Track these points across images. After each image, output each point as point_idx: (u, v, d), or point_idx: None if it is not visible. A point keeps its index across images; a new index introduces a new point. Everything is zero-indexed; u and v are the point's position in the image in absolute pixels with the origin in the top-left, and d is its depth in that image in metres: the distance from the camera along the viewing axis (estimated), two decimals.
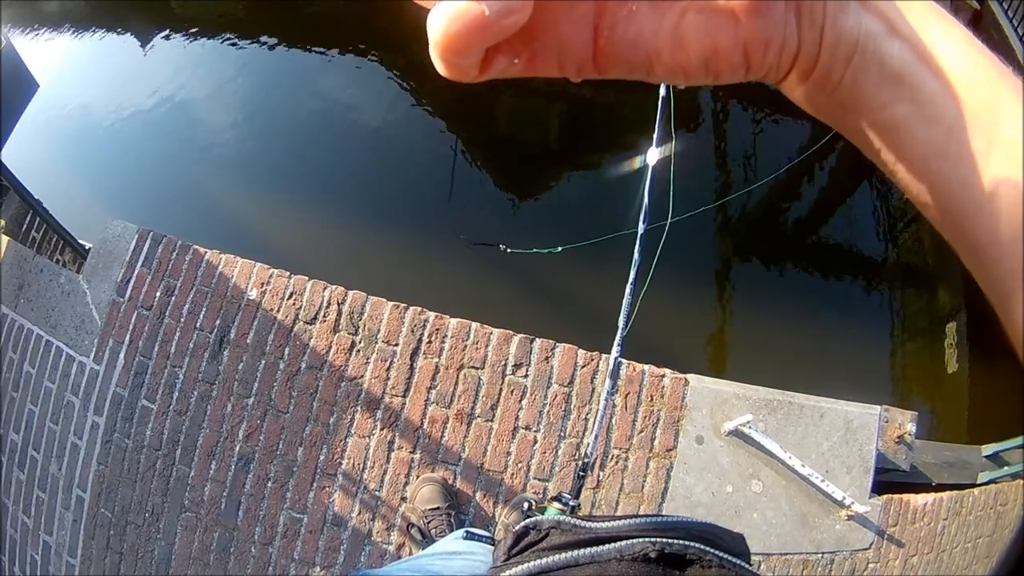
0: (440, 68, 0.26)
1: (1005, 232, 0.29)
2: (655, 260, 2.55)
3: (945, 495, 2.78)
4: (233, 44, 4.61)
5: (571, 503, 1.98)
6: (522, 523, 0.73)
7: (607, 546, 0.61)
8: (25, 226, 2.93)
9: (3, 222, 2.90)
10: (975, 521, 2.84)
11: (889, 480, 2.69)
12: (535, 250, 2.91)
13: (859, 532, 2.53)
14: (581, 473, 1.85)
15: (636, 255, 1.80)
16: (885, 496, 2.59)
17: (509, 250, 2.75)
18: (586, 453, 2.00)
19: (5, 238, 2.87)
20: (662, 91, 2.24)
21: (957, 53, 0.30)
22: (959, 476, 3.04)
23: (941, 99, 0.29)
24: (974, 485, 2.99)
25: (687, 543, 0.60)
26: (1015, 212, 0.29)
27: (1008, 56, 3.54)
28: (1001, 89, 0.30)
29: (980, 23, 3.64)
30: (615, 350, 1.65)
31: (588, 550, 0.61)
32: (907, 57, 0.29)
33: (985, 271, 0.31)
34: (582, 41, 0.28)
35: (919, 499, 2.68)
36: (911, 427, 2.66)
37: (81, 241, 2.76)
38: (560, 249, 2.76)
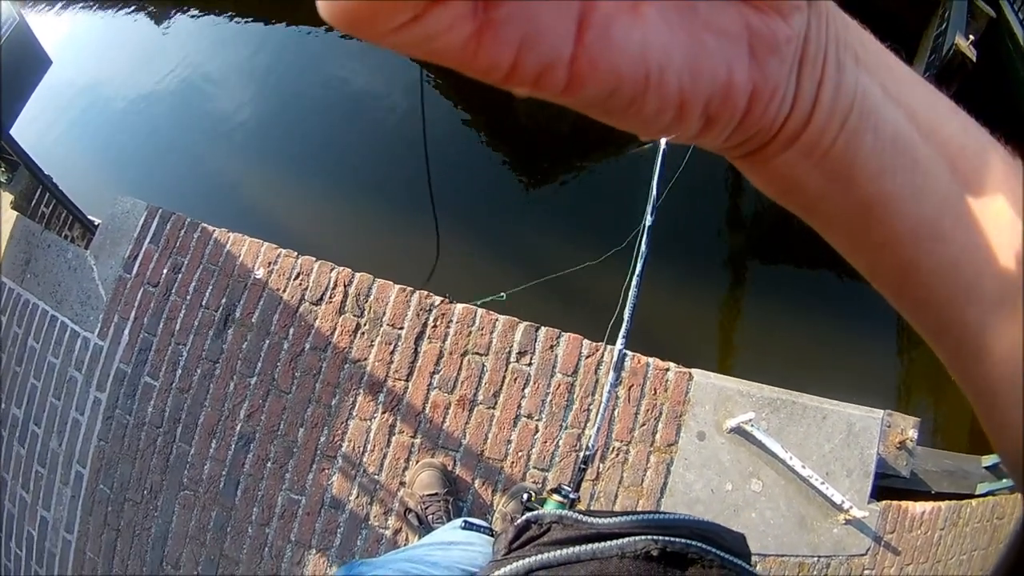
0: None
1: (991, 320, 0.27)
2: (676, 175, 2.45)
3: (943, 504, 2.77)
4: (250, 23, 4.61)
5: (571, 495, 1.98)
6: (524, 517, 0.73)
7: (609, 543, 0.61)
8: (34, 201, 2.94)
9: (12, 197, 2.91)
10: (972, 533, 2.83)
11: (888, 486, 2.68)
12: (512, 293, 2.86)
13: (856, 537, 2.53)
14: (582, 466, 1.84)
15: (643, 247, 1.80)
16: (884, 502, 2.58)
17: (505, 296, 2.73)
18: (588, 446, 1.99)
19: (14, 213, 2.87)
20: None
21: (946, 119, 0.28)
22: (958, 485, 3.03)
23: (934, 167, 0.26)
24: (972, 496, 2.98)
25: (689, 542, 0.60)
26: (1006, 297, 0.26)
27: (1023, 62, 3.54)
28: (992, 157, 0.28)
29: (995, 32, 3.64)
30: (620, 342, 1.64)
31: (590, 546, 0.61)
32: (901, 121, 0.26)
33: (965, 363, 0.28)
34: (564, 29, 0.19)
35: (917, 507, 2.67)
36: (913, 433, 2.65)
37: (90, 217, 2.76)
38: (505, 296, 2.71)
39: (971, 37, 3.19)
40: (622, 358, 1.74)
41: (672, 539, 0.59)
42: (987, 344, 0.27)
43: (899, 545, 2.60)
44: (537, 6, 0.18)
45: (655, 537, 0.59)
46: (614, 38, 0.20)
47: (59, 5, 4.96)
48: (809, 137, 0.25)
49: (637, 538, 0.60)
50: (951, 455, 3.15)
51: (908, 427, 2.66)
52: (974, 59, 3.18)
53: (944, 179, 0.26)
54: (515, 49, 0.19)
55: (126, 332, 2.51)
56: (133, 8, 4.82)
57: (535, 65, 0.19)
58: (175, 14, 4.73)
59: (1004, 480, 3.07)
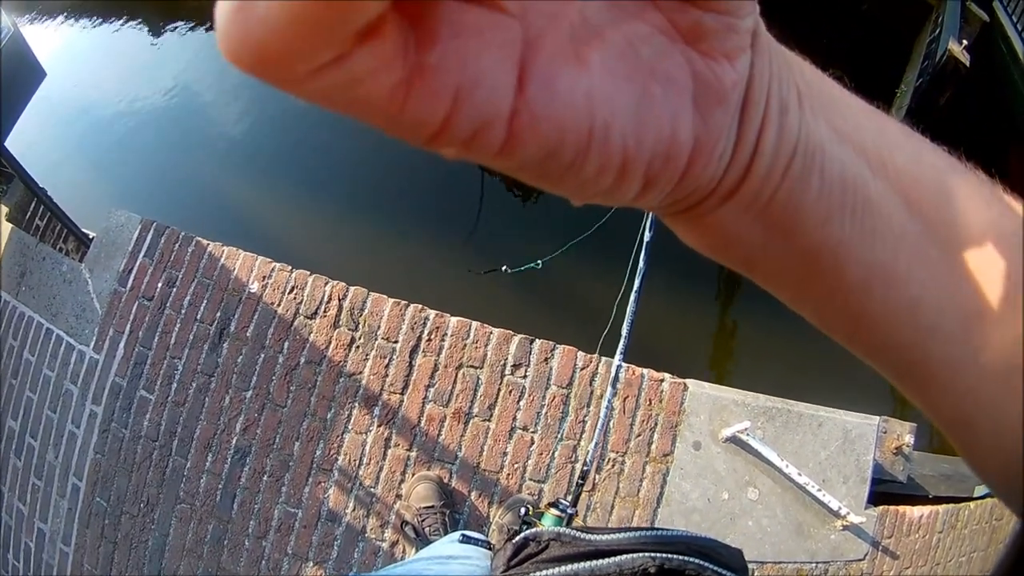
0: (280, 21, 0.13)
1: (959, 353, 0.25)
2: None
3: (941, 508, 2.77)
4: None
5: (569, 510, 1.98)
6: (522, 534, 0.73)
7: (607, 560, 0.61)
8: (29, 214, 2.94)
9: (7, 209, 2.91)
10: (970, 535, 2.83)
11: (886, 491, 2.68)
12: (535, 263, 2.88)
13: (854, 543, 2.53)
14: (580, 481, 1.84)
15: (642, 264, 1.80)
16: (881, 507, 2.58)
17: (510, 271, 2.73)
18: (586, 461, 2.00)
19: (8, 225, 2.87)
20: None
21: (898, 148, 0.25)
22: (956, 489, 3.03)
23: (887, 205, 0.24)
24: (970, 499, 2.98)
25: (686, 558, 0.60)
26: (971, 328, 0.25)
27: (1018, 70, 3.54)
28: (950, 183, 0.26)
29: (989, 35, 3.64)
30: (618, 357, 1.64)
31: (588, 564, 0.61)
32: (849, 159, 0.24)
33: (933, 398, 0.27)
34: (504, 81, 0.17)
35: (915, 511, 2.67)
36: (909, 439, 2.65)
37: (84, 230, 2.76)
38: (539, 263, 2.72)
39: (964, 42, 3.18)
40: (616, 372, 1.74)
41: (669, 555, 0.60)
42: (954, 378, 0.26)
43: (897, 549, 2.60)
44: (476, 49, 0.16)
45: (653, 554, 0.60)
46: (558, 90, 0.17)
47: (55, 17, 4.96)
48: (749, 188, 0.23)
49: (635, 555, 0.60)
50: (948, 459, 3.16)
51: (904, 432, 2.66)
52: (968, 64, 3.17)
53: (899, 216, 0.24)
54: (449, 101, 0.16)
55: (121, 346, 2.50)
56: (125, 20, 4.82)
57: (470, 121, 0.16)
58: (166, 28, 4.73)
59: None
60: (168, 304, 2.44)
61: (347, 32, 0.14)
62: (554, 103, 0.17)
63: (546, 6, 0.18)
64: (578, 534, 0.68)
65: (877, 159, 0.24)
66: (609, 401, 1.93)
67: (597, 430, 1.78)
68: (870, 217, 0.24)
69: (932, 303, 0.25)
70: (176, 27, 4.74)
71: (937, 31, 3.30)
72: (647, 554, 0.60)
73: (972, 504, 2.91)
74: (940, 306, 0.25)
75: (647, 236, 1.76)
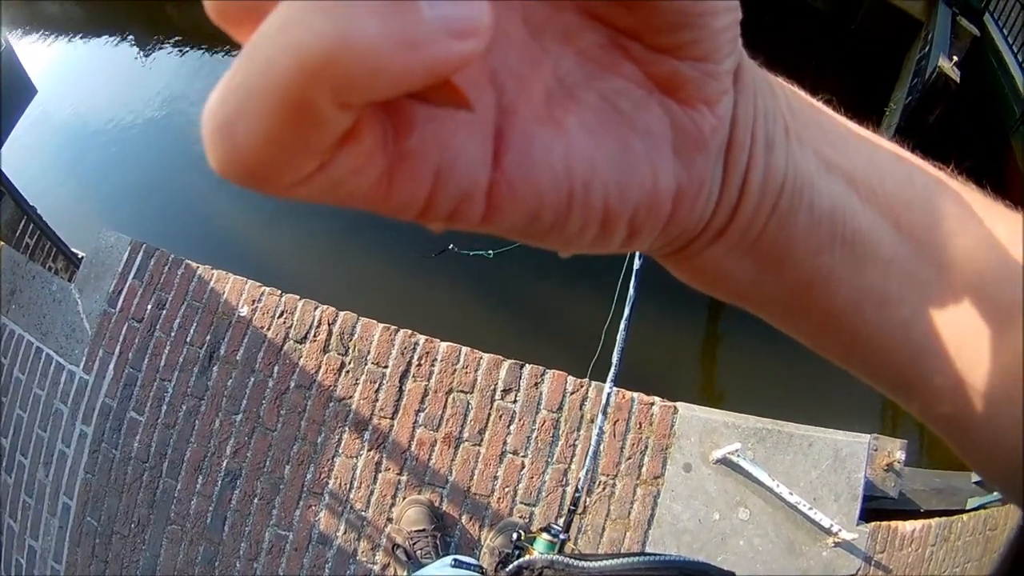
0: (260, 140, 0.13)
1: (955, 368, 0.25)
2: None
3: (934, 521, 2.78)
4: (231, 55, 4.60)
5: (561, 536, 1.98)
6: (515, 562, 0.73)
7: None
8: (19, 232, 2.92)
9: None
10: (964, 546, 2.84)
11: (877, 507, 2.69)
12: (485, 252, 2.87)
13: (846, 559, 2.53)
14: (572, 507, 1.84)
15: (631, 291, 1.79)
16: (873, 523, 2.59)
17: (457, 249, 2.71)
18: (577, 487, 2.00)
19: None
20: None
21: (888, 173, 0.25)
22: (948, 502, 3.04)
23: (877, 232, 0.24)
24: (963, 511, 2.99)
25: None
26: (966, 344, 0.25)
27: (1009, 84, 3.54)
28: (940, 203, 0.25)
29: (979, 50, 3.64)
30: (608, 385, 1.64)
31: None
32: (838, 189, 0.24)
33: (929, 410, 0.27)
34: (480, 155, 0.17)
35: (907, 526, 2.68)
36: (900, 455, 2.66)
37: (74, 250, 2.75)
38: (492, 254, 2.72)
39: (955, 58, 3.18)
40: (607, 398, 1.74)
41: None
42: (952, 392, 0.25)
43: (890, 564, 2.60)
44: (451, 128, 0.16)
45: None
46: (535, 157, 0.18)
47: (46, 33, 4.93)
48: (736, 228, 0.23)
49: None
50: (940, 473, 3.16)
51: (895, 449, 2.67)
52: (958, 80, 3.17)
53: (888, 241, 0.24)
54: (429, 183, 0.16)
55: (111, 367, 2.50)
56: (116, 38, 4.80)
57: (450, 199, 0.17)
58: (156, 46, 4.71)
59: (995, 493, 3.08)
60: (158, 326, 2.44)
61: (324, 145, 0.14)
62: (530, 170, 0.18)
63: (517, 68, 0.18)
64: (571, 561, 0.68)
65: (867, 187, 0.24)
66: (600, 428, 1.93)
67: (588, 456, 1.78)
68: (860, 245, 0.24)
69: (926, 323, 0.25)
70: (164, 45, 4.72)
71: (927, 48, 3.29)
72: None
73: (965, 516, 2.92)
74: (934, 325, 0.25)
75: (636, 263, 1.75)
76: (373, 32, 0.12)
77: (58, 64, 4.68)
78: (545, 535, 1.95)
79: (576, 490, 2.00)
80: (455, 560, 1.20)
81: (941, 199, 0.25)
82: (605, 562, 0.66)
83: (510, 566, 0.75)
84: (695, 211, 0.21)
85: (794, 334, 0.28)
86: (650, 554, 0.67)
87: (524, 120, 0.18)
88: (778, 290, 0.25)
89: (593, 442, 2.00)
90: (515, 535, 2.09)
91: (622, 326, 1.68)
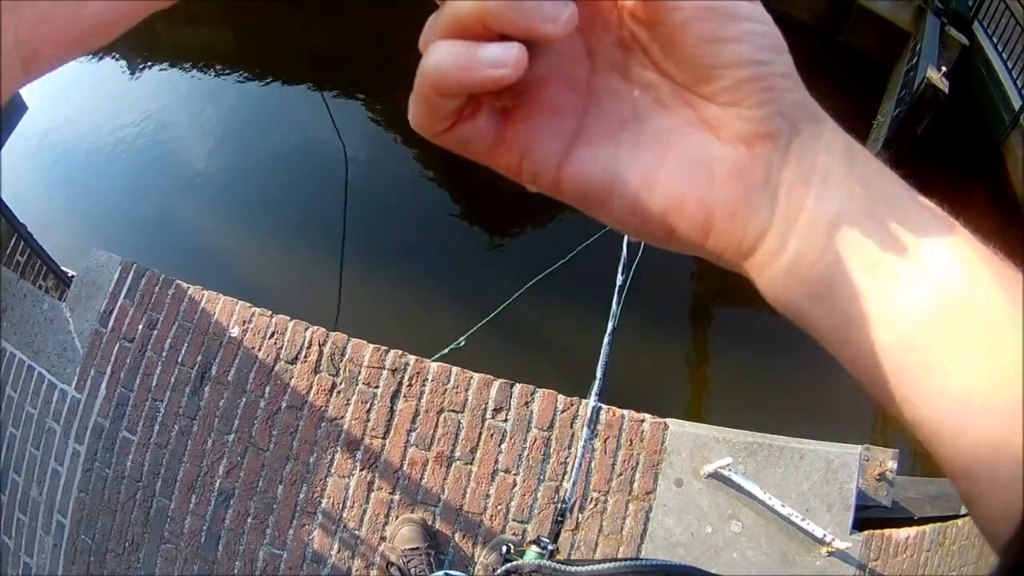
0: (414, 110, 0.26)
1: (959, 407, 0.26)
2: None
3: (928, 527, 2.79)
4: (220, 75, 4.61)
5: (549, 547, 1.99)
6: (503, 567, 0.74)
7: None
8: (9, 249, 2.92)
9: None
10: (959, 551, 2.85)
11: (871, 516, 2.70)
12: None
13: (840, 568, 2.54)
14: (559, 518, 1.85)
15: (615, 307, 1.80)
16: (867, 532, 2.59)
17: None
18: (564, 498, 2.01)
19: None
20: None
21: (912, 222, 0.27)
22: (942, 508, 3.05)
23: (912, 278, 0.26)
24: (957, 516, 3.00)
25: None
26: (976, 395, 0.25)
27: (999, 93, 3.54)
28: (957, 246, 0.27)
29: (968, 59, 3.64)
30: (593, 399, 1.65)
31: None
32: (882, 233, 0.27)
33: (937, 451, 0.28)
34: (556, 147, 0.27)
35: (901, 533, 2.68)
36: (892, 464, 2.66)
37: (64, 268, 2.75)
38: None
39: (943, 68, 3.18)
40: (596, 413, 1.75)
41: None
42: (954, 435, 0.26)
43: (884, 571, 2.61)
44: (539, 128, 0.27)
45: None
46: (591, 155, 0.27)
47: None
48: (787, 259, 0.27)
49: None
50: (933, 480, 3.17)
51: (887, 459, 2.67)
52: (946, 91, 3.16)
53: (919, 289, 0.26)
54: (518, 158, 0.27)
55: (103, 386, 2.50)
56: (105, 57, 4.78)
57: (531, 170, 0.27)
58: (145, 64, 4.70)
59: None
60: (149, 346, 2.44)
61: (445, 114, 0.26)
62: (586, 164, 0.27)
63: (615, 88, 0.28)
64: (558, 566, 0.70)
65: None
66: (586, 441, 1.94)
67: (575, 469, 1.79)
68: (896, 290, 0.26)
69: (941, 365, 0.26)
70: (154, 64, 4.70)
71: (915, 59, 3.29)
72: None
73: (960, 521, 2.92)
74: (948, 369, 0.26)
75: (619, 279, 1.77)
76: (447, 59, 0.24)
77: (48, 82, 4.66)
78: (534, 547, 1.96)
79: (563, 501, 2.02)
80: (446, 575, 1.21)
81: (956, 243, 0.27)
82: (591, 567, 0.67)
83: (499, 570, 0.76)
84: (734, 230, 0.27)
85: (843, 363, 0.30)
86: (637, 559, 0.68)
87: (596, 135, 0.27)
88: (826, 324, 0.28)
89: (579, 454, 2.01)
90: (504, 548, 2.10)
91: (605, 340, 1.69)
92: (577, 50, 0.27)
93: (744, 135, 0.26)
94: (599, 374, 1.69)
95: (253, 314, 2.35)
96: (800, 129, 0.26)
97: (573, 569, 0.68)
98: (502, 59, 0.24)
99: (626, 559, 0.68)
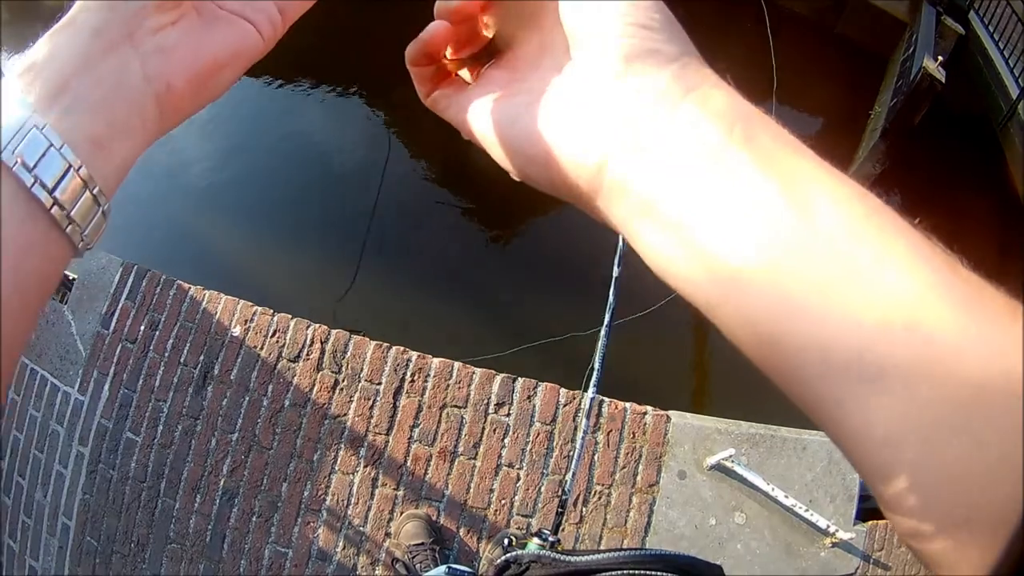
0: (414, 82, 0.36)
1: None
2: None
3: None
4: None
5: (550, 538, 1.99)
6: (503, 557, 0.75)
7: None
8: None
9: None
10: None
11: (874, 507, 2.70)
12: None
13: (844, 558, 2.55)
14: (560, 509, 1.86)
15: (611, 298, 1.81)
16: (870, 522, 2.59)
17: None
18: (564, 490, 2.01)
19: None
20: None
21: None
22: None
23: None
24: None
25: (664, 574, 0.61)
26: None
27: (995, 80, 3.54)
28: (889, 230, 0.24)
29: (964, 48, 3.63)
30: (591, 390, 1.66)
31: None
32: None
33: (844, 445, 0.24)
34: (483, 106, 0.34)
35: None
36: None
37: (65, 271, 2.75)
38: None
39: (940, 58, 3.18)
40: (594, 405, 1.75)
41: (647, 572, 0.61)
42: (861, 423, 0.23)
43: (889, 561, 2.61)
44: (475, 92, 0.35)
45: (631, 572, 0.61)
46: (497, 110, 0.33)
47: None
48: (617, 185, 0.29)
49: (614, 574, 0.61)
50: None
51: None
52: (943, 80, 3.16)
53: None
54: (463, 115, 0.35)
55: (106, 388, 2.50)
56: None
57: (455, 119, 0.35)
58: None
59: None
60: (151, 347, 2.44)
61: (423, 80, 0.36)
62: (496, 115, 0.33)
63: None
64: (558, 556, 0.69)
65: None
66: (585, 432, 1.94)
67: (574, 461, 1.79)
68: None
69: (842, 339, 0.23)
70: None
71: (911, 49, 3.29)
72: (626, 572, 0.61)
73: None
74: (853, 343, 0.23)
75: (615, 271, 1.77)
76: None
77: None
78: (536, 539, 1.96)
79: (563, 492, 2.02)
80: (449, 568, 1.22)
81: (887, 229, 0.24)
82: (592, 556, 0.67)
83: (498, 560, 0.76)
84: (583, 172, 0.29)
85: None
86: (638, 549, 0.68)
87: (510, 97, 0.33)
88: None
89: (578, 444, 2.01)
90: (506, 540, 2.11)
91: (602, 332, 1.69)
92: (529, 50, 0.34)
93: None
94: (597, 365, 1.69)
95: (255, 313, 2.35)
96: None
97: (571, 558, 0.68)
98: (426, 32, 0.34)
99: (628, 548, 0.68)
